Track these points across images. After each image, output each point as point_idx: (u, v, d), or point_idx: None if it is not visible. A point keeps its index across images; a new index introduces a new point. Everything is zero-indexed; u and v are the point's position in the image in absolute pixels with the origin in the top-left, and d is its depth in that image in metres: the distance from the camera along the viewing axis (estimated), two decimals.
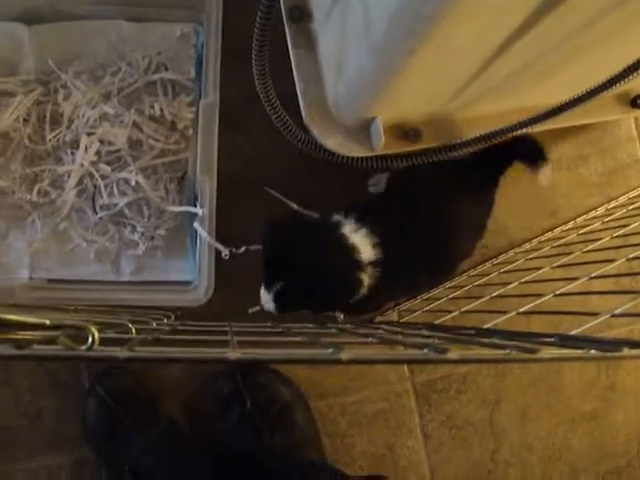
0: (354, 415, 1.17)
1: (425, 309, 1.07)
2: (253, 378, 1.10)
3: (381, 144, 0.86)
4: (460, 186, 1.01)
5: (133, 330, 0.58)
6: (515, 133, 0.84)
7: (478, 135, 0.85)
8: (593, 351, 0.47)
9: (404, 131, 0.89)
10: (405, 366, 1.17)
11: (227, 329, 0.67)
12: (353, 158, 0.89)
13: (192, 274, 1.03)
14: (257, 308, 0.96)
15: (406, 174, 1.03)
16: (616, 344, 0.48)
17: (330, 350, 0.43)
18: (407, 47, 0.67)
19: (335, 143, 0.88)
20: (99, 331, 0.42)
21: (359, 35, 0.75)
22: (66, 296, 1.00)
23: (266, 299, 0.90)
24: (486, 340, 0.55)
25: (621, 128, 1.26)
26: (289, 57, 0.91)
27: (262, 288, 0.90)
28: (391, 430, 1.18)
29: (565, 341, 0.52)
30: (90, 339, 0.42)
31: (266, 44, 0.77)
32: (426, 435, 1.18)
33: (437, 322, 0.97)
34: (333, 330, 0.75)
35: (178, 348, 0.47)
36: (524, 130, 0.83)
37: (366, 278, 0.87)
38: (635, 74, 0.65)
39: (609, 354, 0.47)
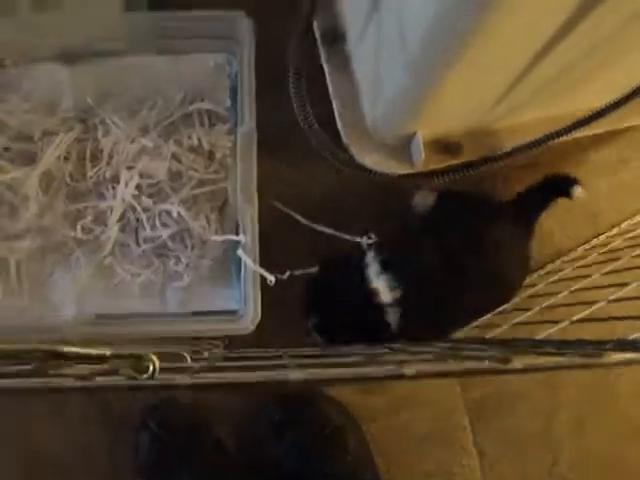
0: (407, 435, 1.16)
1: (474, 325, 1.07)
2: (304, 403, 1.11)
3: (421, 160, 0.87)
4: (502, 228, 1.02)
5: (188, 359, 0.59)
6: (557, 140, 0.84)
7: (519, 145, 0.86)
8: None
9: (444, 145, 0.90)
10: (455, 382, 1.17)
11: (280, 354, 0.67)
12: (395, 175, 0.90)
13: (238, 302, 1.04)
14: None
15: (450, 199, 1.05)
16: None
17: (392, 367, 0.43)
18: (444, 61, 0.68)
19: (374, 161, 0.90)
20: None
21: (395, 52, 0.76)
22: (114, 331, 1.02)
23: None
24: (546, 349, 0.55)
25: None
26: (324, 77, 0.92)
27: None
28: (445, 448, 1.17)
29: (623, 345, 0.51)
30: (151, 368, 0.43)
31: (303, 69, 0.78)
32: (481, 452, 1.17)
33: (487, 336, 0.97)
34: (385, 350, 0.75)
35: (236, 373, 0.48)
36: (564, 137, 0.84)
37: (392, 319, 0.92)
38: None
39: None
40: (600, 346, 0.54)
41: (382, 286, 0.92)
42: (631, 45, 0.74)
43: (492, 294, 1.00)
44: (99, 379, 0.44)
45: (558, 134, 0.83)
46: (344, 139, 0.89)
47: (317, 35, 0.91)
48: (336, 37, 0.90)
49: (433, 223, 1.04)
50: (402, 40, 0.73)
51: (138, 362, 0.43)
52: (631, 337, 0.70)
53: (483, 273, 0.96)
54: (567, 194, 1.06)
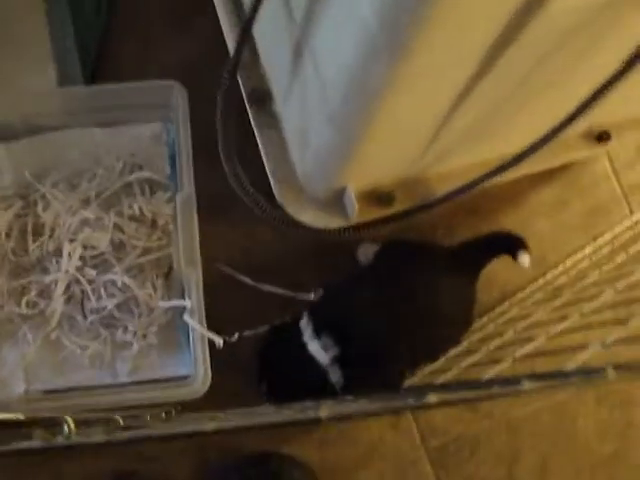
0: None
1: (426, 372, 1.07)
2: (265, 466, 1.10)
3: (355, 212, 0.89)
4: (442, 274, 1.03)
5: (121, 421, 0.58)
6: (486, 182, 0.86)
7: (449, 191, 0.88)
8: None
9: (378, 196, 0.92)
10: (416, 433, 1.17)
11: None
12: (331, 230, 0.91)
13: (189, 368, 1.04)
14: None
15: (391, 249, 1.08)
16: (601, 369, 0.49)
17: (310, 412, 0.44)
18: (364, 114, 0.70)
19: (310, 217, 0.91)
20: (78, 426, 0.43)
21: (318, 108, 0.78)
22: (64, 404, 1.00)
23: None
24: (470, 386, 0.56)
25: (597, 167, 1.29)
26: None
27: None
28: None
29: (545, 377, 0.53)
30: (66, 428, 0.44)
31: (229, 131, 0.80)
32: None
33: (438, 382, 0.98)
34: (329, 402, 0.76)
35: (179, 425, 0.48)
36: (492, 179, 0.86)
37: (335, 377, 0.96)
38: (587, 111, 0.68)
39: (593, 377, 0.49)
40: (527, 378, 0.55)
41: (317, 349, 0.96)
42: (546, 86, 0.76)
43: (432, 340, 1.01)
44: (18, 444, 0.43)
45: (487, 176, 0.85)
46: (277, 197, 0.90)
47: (244, 96, 0.93)
48: (263, 97, 0.92)
49: (373, 274, 1.06)
50: (324, 96, 0.75)
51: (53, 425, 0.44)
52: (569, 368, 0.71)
53: (421, 319, 0.98)
54: (513, 256, 1.06)
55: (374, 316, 0.96)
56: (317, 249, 1.14)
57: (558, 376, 0.51)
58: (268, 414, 0.46)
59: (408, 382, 1.04)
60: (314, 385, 0.96)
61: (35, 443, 0.43)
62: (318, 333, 0.95)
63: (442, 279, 1.01)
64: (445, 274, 1.02)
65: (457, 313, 1.02)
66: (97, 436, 0.44)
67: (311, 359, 0.96)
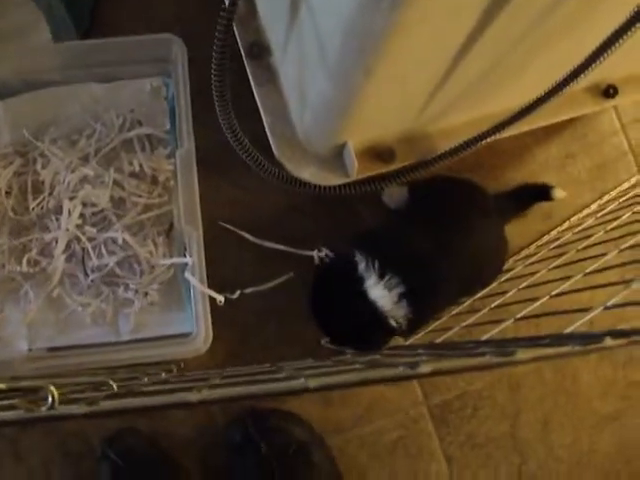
0: (373, 446, 1.17)
1: (429, 330, 1.08)
2: (265, 422, 1.11)
3: (355, 169, 0.88)
4: (489, 213, 1.07)
5: (114, 386, 0.59)
6: (490, 139, 0.86)
7: (452, 147, 0.87)
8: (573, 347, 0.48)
9: (377, 152, 0.91)
10: (418, 389, 1.18)
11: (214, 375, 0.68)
12: (331, 187, 0.90)
13: (191, 325, 1.05)
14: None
15: (425, 187, 1.09)
16: (598, 336, 0.49)
17: (302, 380, 0.44)
18: (363, 67, 0.69)
19: (309, 174, 0.90)
20: (66, 392, 0.43)
21: (316, 61, 0.77)
22: (67, 362, 1.01)
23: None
24: (467, 351, 0.56)
25: (604, 122, 1.28)
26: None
27: None
28: (412, 457, 1.18)
29: (540, 343, 0.52)
30: (50, 399, 0.44)
31: (225, 83, 0.79)
32: (448, 457, 1.18)
33: (439, 340, 0.98)
34: (328, 362, 0.76)
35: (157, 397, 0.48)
36: (497, 135, 0.85)
37: (396, 320, 0.93)
38: (595, 64, 0.67)
39: (591, 347, 0.48)
40: (521, 343, 0.55)
41: (381, 288, 0.92)
42: (551, 37, 0.75)
43: (480, 272, 1.05)
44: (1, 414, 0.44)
45: (489, 133, 0.84)
46: (276, 154, 0.89)
47: (242, 50, 0.91)
48: (261, 51, 0.91)
49: (415, 213, 1.07)
50: (321, 48, 0.74)
51: (35, 394, 0.44)
52: (568, 330, 0.71)
53: (473, 252, 1.00)
54: (547, 198, 1.19)
55: (428, 251, 0.96)
56: (318, 204, 1.14)
57: (553, 344, 0.50)
58: (258, 383, 0.46)
59: (409, 339, 1.05)
60: (376, 328, 0.94)
61: (18, 414, 0.43)
62: (382, 273, 0.92)
63: (489, 218, 1.05)
64: (490, 214, 1.06)
65: (500, 251, 1.08)
66: (81, 408, 0.44)
67: (369, 301, 0.92)
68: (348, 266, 0.95)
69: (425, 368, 0.44)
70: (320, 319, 0.99)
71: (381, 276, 0.92)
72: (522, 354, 0.47)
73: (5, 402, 0.45)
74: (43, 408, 0.44)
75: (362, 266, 0.93)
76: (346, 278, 0.95)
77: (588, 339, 0.49)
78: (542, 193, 1.20)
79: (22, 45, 1.09)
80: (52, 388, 0.44)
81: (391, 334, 0.95)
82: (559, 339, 0.52)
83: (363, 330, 0.95)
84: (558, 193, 1.19)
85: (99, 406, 0.45)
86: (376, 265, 0.92)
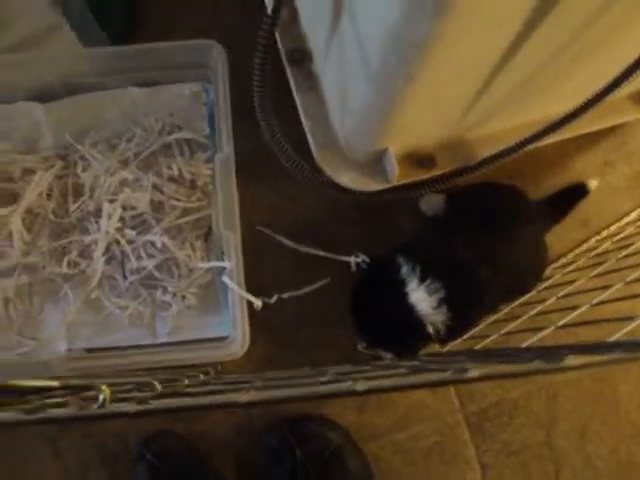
0: (408, 453, 1.17)
1: (466, 337, 1.07)
2: (301, 427, 1.11)
3: (396, 175, 0.88)
4: (532, 220, 1.06)
5: (158, 387, 0.59)
6: (530, 146, 0.85)
7: (493, 153, 0.87)
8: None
9: (418, 159, 0.91)
10: (454, 397, 1.17)
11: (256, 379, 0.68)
12: (370, 192, 0.90)
13: (228, 329, 1.05)
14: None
15: (465, 193, 1.10)
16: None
17: (348, 383, 0.44)
18: (405, 74, 0.70)
19: (349, 179, 0.91)
20: (114, 392, 0.43)
21: (358, 68, 0.77)
22: (105, 363, 1.02)
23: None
24: (512, 357, 0.55)
25: None
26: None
27: None
28: (447, 464, 1.17)
29: (589, 349, 0.52)
30: (102, 397, 0.44)
31: (266, 89, 0.80)
32: (484, 465, 1.17)
33: (477, 347, 0.98)
34: (367, 367, 0.76)
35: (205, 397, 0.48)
36: (538, 142, 0.84)
37: (434, 326, 0.93)
38: (636, 73, 0.67)
39: (636, 354, 0.48)
40: (565, 350, 0.55)
41: (422, 293, 0.92)
42: (592, 47, 0.75)
43: (521, 280, 1.04)
44: (53, 411, 0.44)
45: (531, 140, 0.84)
46: (317, 159, 0.90)
47: (283, 56, 0.92)
48: (302, 57, 0.92)
49: (454, 220, 1.07)
50: (363, 55, 0.74)
51: (88, 392, 0.44)
52: (612, 339, 0.71)
53: (513, 259, 1.00)
54: (584, 193, 1.21)
55: (469, 258, 0.96)
56: (357, 209, 1.14)
57: (603, 351, 0.50)
58: (304, 386, 0.46)
59: (446, 348, 1.05)
60: (415, 332, 0.94)
61: (70, 411, 0.44)
62: (423, 278, 0.93)
63: (531, 225, 1.05)
64: (532, 220, 1.06)
65: (541, 259, 1.08)
66: (131, 406, 0.45)
67: (413, 307, 0.93)
68: (389, 269, 0.95)
69: (474, 372, 0.44)
70: (358, 321, 1.00)
71: (422, 280, 0.92)
72: (572, 360, 0.47)
73: (56, 400, 0.46)
74: (95, 406, 0.44)
75: (404, 270, 0.93)
76: (387, 281, 0.96)
77: (637, 346, 0.49)
78: (578, 191, 1.21)
79: (63, 49, 1.11)
80: (104, 387, 0.44)
81: (427, 340, 0.95)
82: (607, 347, 0.52)
83: (400, 334, 0.95)
84: (592, 183, 1.20)
85: (149, 405, 0.45)
86: (417, 269, 0.92)
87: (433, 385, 0.45)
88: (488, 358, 0.63)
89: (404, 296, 0.92)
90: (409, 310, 0.92)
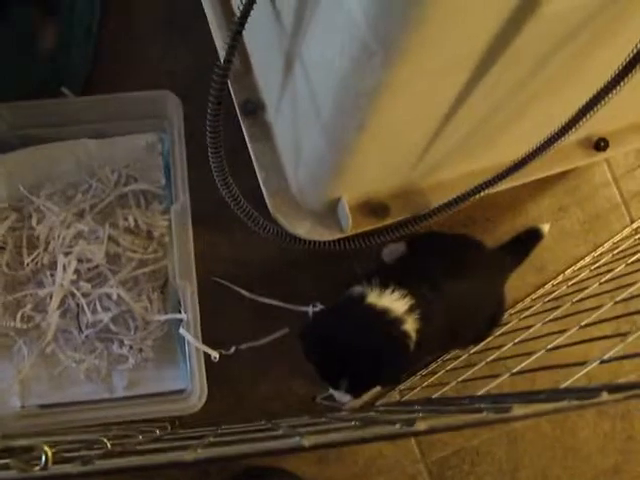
0: None
1: (425, 385, 1.08)
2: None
3: (349, 225, 0.89)
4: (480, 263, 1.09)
5: (108, 445, 0.58)
6: (483, 193, 0.87)
7: (446, 201, 0.88)
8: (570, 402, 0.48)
9: (372, 207, 0.92)
10: (415, 446, 1.17)
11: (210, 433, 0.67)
12: (326, 242, 0.91)
13: (185, 382, 1.05)
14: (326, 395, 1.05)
15: (419, 241, 1.12)
16: (594, 390, 0.49)
17: (295, 439, 0.44)
18: (356, 123, 0.71)
19: (304, 230, 0.91)
20: (60, 451, 0.43)
21: (310, 118, 0.79)
22: (59, 420, 1.01)
23: (338, 394, 0.93)
24: (463, 407, 0.56)
25: (595, 175, 1.30)
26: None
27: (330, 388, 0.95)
28: None
29: (539, 398, 0.53)
30: (44, 459, 0.43)
31: (219, 140, 0.81)
32: None
33: (435, 395, 0.98)
34: (323, 419, 0.76)
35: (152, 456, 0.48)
36: (490, 189, 0.86)
37: (410, 328, 0.90)
38: (584, 119, 0.68)
39: (587, 401, 0.49)
40: (517, 399, 0.55)
41: (389, 300, 0.90)
42: (541, 94, 0.77)
43: (471, 322, 1.05)
44: None
45: (482, 187, 0.86)
46: (271, 210, 0.90)
47: (236, 107, 0.93)
48: (256, 108, 0.93)
49: (409, 261, 1.09)
50: (315, 106, 0.76)
51: (29, 454, 0.44)
52: (565, 384, 0.71)
53: (462, 303, 1.00)
54: (539, 237, 1.22)
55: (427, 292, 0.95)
56: (314, 259, 1.15)
57: (550, 399, 0.51)
58: (252, 441, 0.46)
59: (405, 396, 1.05)
60: (393, 349, 0.90)
61: (11, 474, 0.43)
62: (385, 285, 0.91)
63: (484, 272, 1.07)
64: (485, 268, 1.08)
65: (494, 302, 1.10)
66: (75, 467, 0.44)
67: (384, 315, 0.89)
68: (344, 298, 0.95)
69: (421, 425, 0.44)
70: (322, 357, 0.93)
71: (385, 287, 0.91)
72: (518, 410, 0.47)
73: None
74: (37, 468, 0.43)
75: (362, 287, 0.93)
76: (347, 306, 0.94)
77: (585, 394, 0.50)
78: (533, 235, 1.22)
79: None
80: (46, 448, 0.44)
81: (408, 346, 0.90)
82: (556, 394, 0.53)
83: (382, 348, 0.90)
84: (544, 227, 1.22)
85: (94, 465, 0.45)
86: (376, 280, 0.92)
87: (382, 439, 0.45)
88: (441, 408, 0.64)
89: (370, 309, 0.90)
90: (380, 319, 0.89)
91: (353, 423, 0.60)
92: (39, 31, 1.18)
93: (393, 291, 0.91)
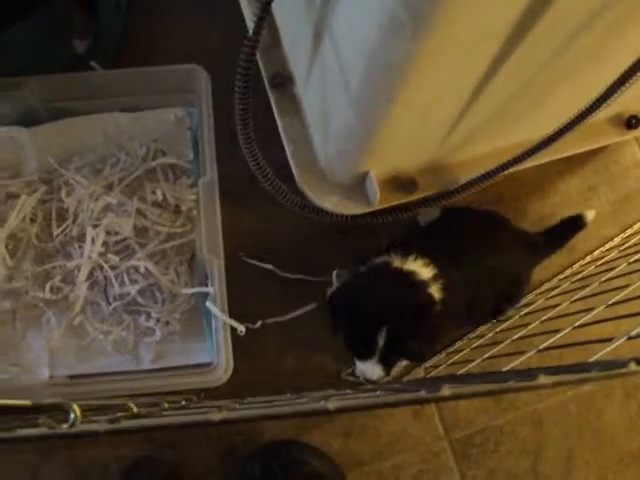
0: None
1: (450, 362, 1.08)
2: (285, 454, 1.11)
3: (377, 198, 0.89)
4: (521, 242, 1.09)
5: (134, 409, 0.59)
6: (512, 169, 0.86)
7: (474, 177, 0.88)
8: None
9: (400, 182, 0.92)
10: (439, 424, 1.17)
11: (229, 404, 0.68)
12: (353, 216, 0.91)
13: (211, 355, 1.05)
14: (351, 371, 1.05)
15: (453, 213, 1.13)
16: (622, 362, 0.49)
17: (321, 402, 0.44)
18: (385, 95, 0.71)
19: (331, 203, 0.91)
20: (88, 411, 0.43)
21: (339, 91, 0.79)
22: (87, 390, 1.03)
23: (368, 367, 0.92)
24: (486, 378, 0.56)
25: (626, 155, 1.29)
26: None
27: (357, 361, 0.94)
28: None
29: (564, 370, 0.53)
30: (72, 417, 0.44)
31: (248, 113, 0.81)
32: None
33: (460, 372, 0.98)
34: (348, 391, 0.76)
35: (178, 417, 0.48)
36: (519, 166, 0.85)
37: (435, 292, 0.91)
38: (616, 95, 0.68)
39: (614, 372, 0.48)
40: (544, 370, 0.55)
41: (414, 265, 0.92)
42: (573, 68, 0.76)
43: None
44: (22, 431, 0.44)
45: (511, 163, 0.85)
46: (298, 183, 0.91)
47: (265, 80, 0.93)
48: (284, 81, 0.93)
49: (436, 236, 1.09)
50: (344, 78, 0.76)
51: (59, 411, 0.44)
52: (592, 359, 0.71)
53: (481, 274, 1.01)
54: (583, 224, 1.19)
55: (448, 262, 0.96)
56: (339, 233, 1.15)
57: (577, 370, 0.50)
58: (279, 406, 0.46)
59: (430, 373, 1.05)
60: (419, 309, 0.90)
61: (40, 431, 0.44)
62: (409, 253, 0.93)
63: (507, 251, 1.07)
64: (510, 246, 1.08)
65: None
66: (102, 425, 0.45)
67: (409, 278, 0.91)
68: (371, 267, 0.95)
69: (446, 391, 0.44)
70: (359, 325, 0.92)
71: (408, 254, 0.93)
72: (544, 379, 0.47)
73: (29, 420, 0.46)
74: (64, 425, 0.44)
75: (382, 258, 0.94)
76: (373, 273, 0.95)
77: (612, 365, 0.49)
78: (576, 223, 1.19)
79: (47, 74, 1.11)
80: (75, 406, 0.44)
81: (433, 309, 0.91)
82: (583, 366, 0.52)
83: (413, 306, 0.90)
84: (589, 214, 1.18)
85: (120, 424, 0.45)
86: (400, 250, 0.93)
87: (405, 404, 0.46)
88: (466, 380, 0.64)
89: (397, 271, 0.91)
90: (408, 280, 0.90)
91: (378, 393, 0.60)
92: (71, 16, 1.20)
93: (416, 259, 0.92)
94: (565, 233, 1.19)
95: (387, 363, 0.92)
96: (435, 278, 0.91)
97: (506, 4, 0.58)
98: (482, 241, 1.04)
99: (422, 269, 0.92)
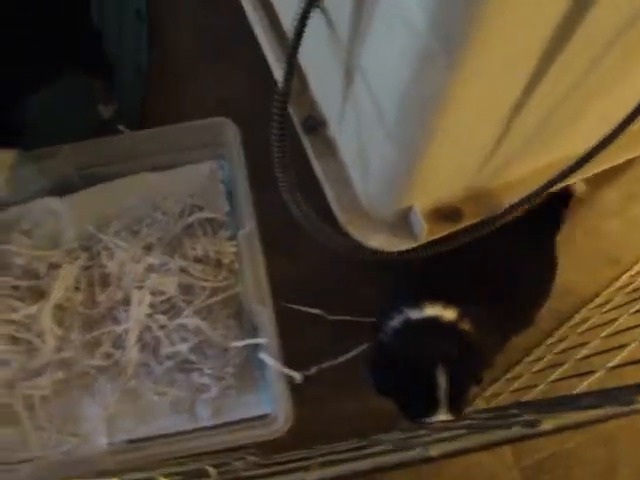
0: None
1: (511, 389, 1.06)
2: None
3: (424, 232, 0.88)
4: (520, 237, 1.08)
5: (213, 473, 0.58)
6: (553, 188, 0.85)
7: (519, 199, 0.86)
8: None
9: (444, 213, 0.91)
10: (508, 452, 1.15)
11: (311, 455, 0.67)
12: (401, 252, 0.90)
13: (269, 406, 1.04)
14: None
15: None
16: None
17: (418, 450, 0.43)
18: (424, 127, 0.70)
19: (378, 241, 0.90)
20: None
21: (375, 127, 0.78)
22: (147, 453, 1.01)
23: (439, 414, 0.92)
24: (578, 404, 0.54)
25: None
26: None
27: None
28: None
29: None
30: None
31: (287, 160, 0.80)
32: None
33: (525, 399, 0.96)
34: (422, 432, 0.74)
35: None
36: (562, 182, 0.84)
37: (466, 326, 0.93)
38: None
39: None
40: (630, 391, 0.53)
41: (434, 311, 0.94)
42: (609, 80, 0.75)
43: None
44: None
45: (554, 182, 0.84)
46: (343, 224, 0.90)
47: (297, 126, 0.93)
48: (316, 124, 0.93)
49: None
50: (379, 113, 0.75)
51: None
52: None
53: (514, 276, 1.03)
54: (570, 196, 1.17)
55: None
56: (383, 271, 1.14)
57: None
58: (370, 456, 0.45)
59: (492, 402, 1.03)
60: (459, 344, 0.93)
61: None
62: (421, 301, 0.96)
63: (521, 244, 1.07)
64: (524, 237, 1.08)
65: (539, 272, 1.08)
66: None
67: (435, 322, 0.94)
68: (399, 324, 0.97)
69: (547, 425, 0.43)
70: (429, 390, 0.92)
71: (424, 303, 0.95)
72: None
73: None
74: None
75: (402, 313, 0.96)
76: (406, 328, 0.96)
77: None
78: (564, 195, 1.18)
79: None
80: (160, 478, 0.43)
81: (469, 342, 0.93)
82: None
83: (457, 348, 0.92)
84: (578, 187, 1.18)
85: None
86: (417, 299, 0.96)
87: (509, 442, 0.44)
88: (547, 408, 0.62)
89: (426, 321, 0.94)
90: (441, 326, 0.93)
91: (459, 432, 0.58)
92: (94, 94, 1.22)
93: (431, 303, 0.95)
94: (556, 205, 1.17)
95: (456, 405, 0.91)
96: (460, 316, 0.93)
97: (538, 21, 0.58)
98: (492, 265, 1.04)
99: (444, 312, 0.94)
